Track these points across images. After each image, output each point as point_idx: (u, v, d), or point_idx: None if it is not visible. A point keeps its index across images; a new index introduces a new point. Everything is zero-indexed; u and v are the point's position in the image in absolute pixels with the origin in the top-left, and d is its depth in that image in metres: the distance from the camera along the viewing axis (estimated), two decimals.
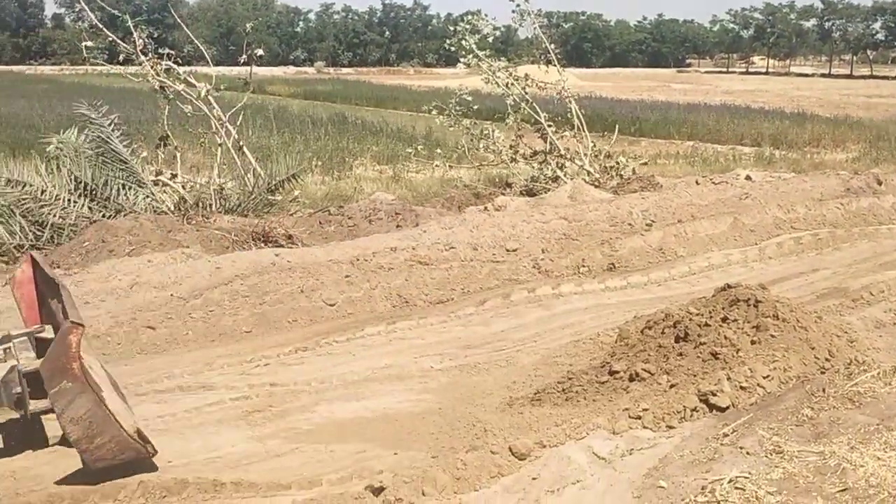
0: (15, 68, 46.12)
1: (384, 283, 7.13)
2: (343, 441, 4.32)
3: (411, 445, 4.22)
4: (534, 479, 3.65)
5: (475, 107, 14.11)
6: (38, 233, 8.83)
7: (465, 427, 4.36)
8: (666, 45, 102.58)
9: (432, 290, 7.21)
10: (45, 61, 50.61)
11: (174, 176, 10.26)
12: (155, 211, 9.46)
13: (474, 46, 13.14)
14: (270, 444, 4.32)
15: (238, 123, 11.06)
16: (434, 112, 13.89)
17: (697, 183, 11.08)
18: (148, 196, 9.78)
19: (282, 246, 8.47)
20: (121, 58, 10.67)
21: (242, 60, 11.33)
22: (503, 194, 11.81)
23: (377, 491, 3.30)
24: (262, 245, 8.46)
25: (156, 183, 10.03)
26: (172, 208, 9.69)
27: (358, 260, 7.35)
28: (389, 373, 5.33)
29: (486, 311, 6.77)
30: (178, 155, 10.62)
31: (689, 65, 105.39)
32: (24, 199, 9.16)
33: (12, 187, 9.32)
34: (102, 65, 11.34)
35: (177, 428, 4.57)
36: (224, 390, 5.11)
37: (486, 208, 10.04)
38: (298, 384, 5.18)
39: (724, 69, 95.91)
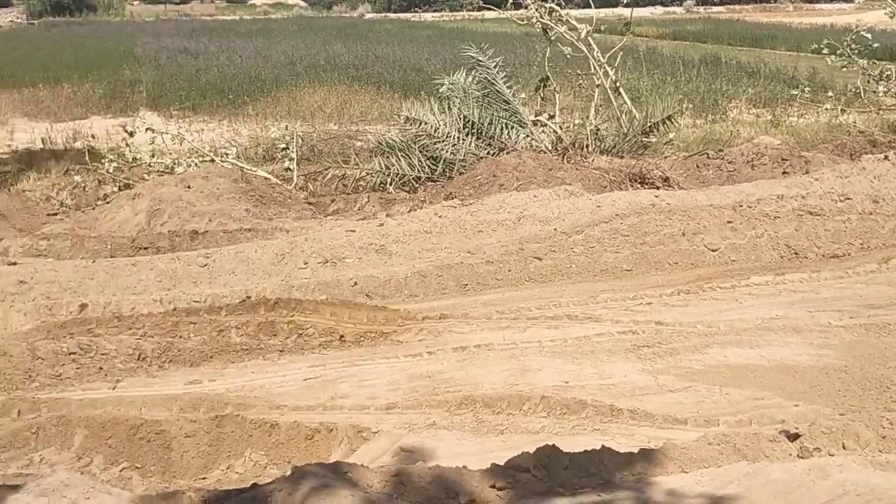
0: (402, 15, 50.54)
1: (770, 231, 6.77)
2: (738, 386, 4.22)
3: (815, 399, 4.01)
4: None
5: (874, 45, 12.65)
6: (433, 167, 9.67)
7: (877, 389, 4.03)
8: None
9: (825, 242, 6.69)
10: (428, 8, 54.80)
11: (552, 117, 10.60)
12: (534, 149, 9.87)
13: None
14: (662, 380, 4.36)
15: (616, 65, 11.06)
16: (825, 51, 12.69)
17: None
18: (528, 135, 10.22)
19: (658, 188, 8.40)
20: (509, 2, 11.15)
21: (625, 2, 11.27)
22: None
23: (793, 437, 3.19)
24: (639, 186, 8.46)
25: (535, 123, 10.45)
26: (550, 147, 10.04)
27: (741, 206, 7.05)
28: (782, 324, 5.07)
29: (890, 269, 6.13)
30: (557, 96, 10.92)
31: None
32: (420, 136, 10.07)
33: (410, 125, 10.30)
34: (490, 8, 11.97)
35: (569, 352, 4.78)
36: (610, 323, 5.24)
37: (886, 157, 9.01)
38: (684, 325, 5.14)
39: None
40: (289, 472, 2.69)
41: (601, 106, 10.82)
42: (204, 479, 3.61)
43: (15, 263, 6.47)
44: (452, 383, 4.35)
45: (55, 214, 8.47)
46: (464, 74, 10.86)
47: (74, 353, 4.93)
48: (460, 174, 9.19)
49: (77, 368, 4.81)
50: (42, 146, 12.72)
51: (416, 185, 9.42)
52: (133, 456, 3.71)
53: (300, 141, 10.25)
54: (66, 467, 3.61)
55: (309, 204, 8.67)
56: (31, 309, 5.51)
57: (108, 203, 8.69)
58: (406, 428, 3.84)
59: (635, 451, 3.20)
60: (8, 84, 19.33)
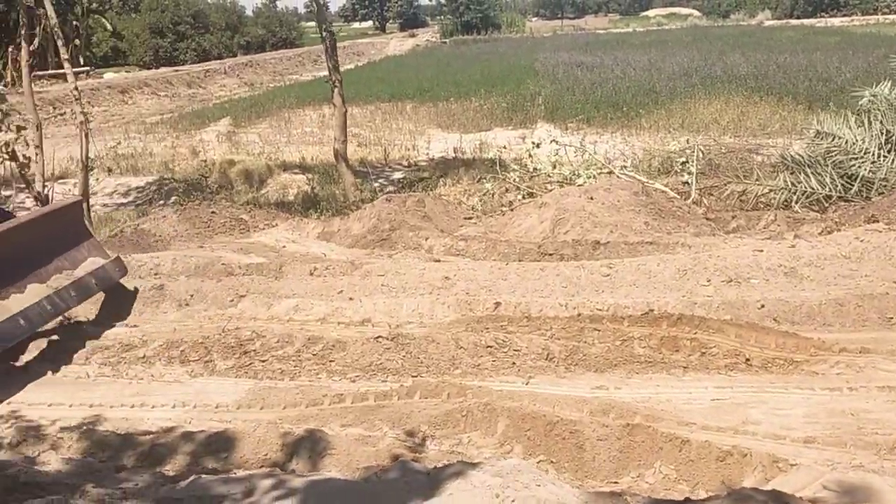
0: (806, 21, 47.24)
1: None
2: None
3: None
4: None
5: None
6: (846, 185, 8.91)
7: None
8: None
9: None
10: (836, 13, 50.56)
11: None
12: None
13: None
14: None
15: None
16: None
17: None
18: None
19: None
20: None
21: None
22: None
23: None
24: None
25: None
26: None
27: None
28: None
29: None
30: None
31: None
32: (832, 151, 9.34)
33: (821, 139, 9.60)
34: None
35: None
36: None
37: None
38: None
39: None
40: (725, 493, 2.67)
41: None
42: (615, 483, 3.73)
43: (439, 261, 7.24)
44: (881, 425, 3.98)
45: (469, 218, 9.30)
46: (888, 85, 9.86)
47: (491, 347, 5.38)
48: (880, 195, 8.35)
49: (493, 361, 5.25)
50: (454, 155, 14.06)
51: (826, 205, 8.75)
52: (549, 450, 3.95)
53: (700, 154, 10.08)
54: (491, 452, 3.96)
55: (707, 219, 8.49)
56: (453, 302, 6.11)
57: (512, 210, 9.34)
58: (828, 465, 3.60)
59: None
60: (425, 98, 21.68)
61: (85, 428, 4.07)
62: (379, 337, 5.59)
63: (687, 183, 9.65)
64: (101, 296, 6.58)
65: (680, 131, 13.98)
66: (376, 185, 12.29)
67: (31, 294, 5.79)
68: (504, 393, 4.58)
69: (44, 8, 9.93)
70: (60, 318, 6.27)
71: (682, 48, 28.51)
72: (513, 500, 2.40)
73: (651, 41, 34.75)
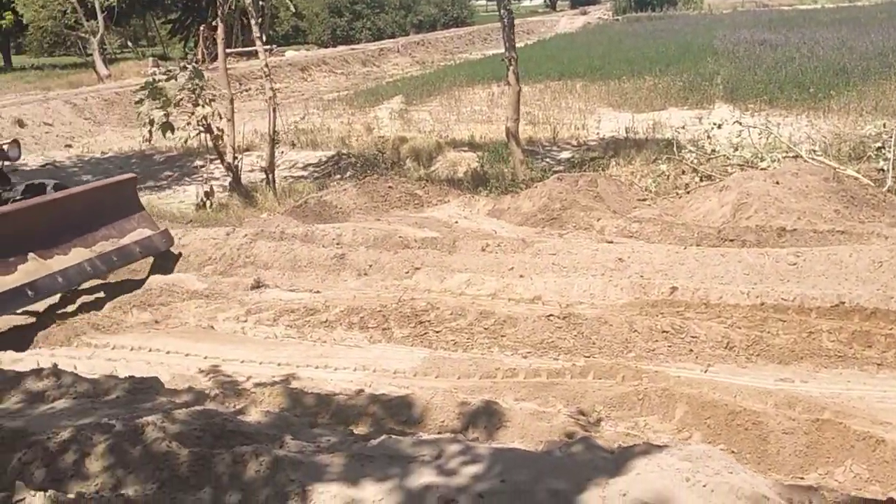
0: None
1: None
2: None
3: None
4: None
5: None
6: None
7: None
8: None
9: None
10: None
11: None
12: None
13: None
14: None
15: None
16: None
17: None
18: None
19: None
20: None
21: None
22: None
23: None
24: None
25: None
26: None
27: None
28: None
29: None
30: None
31: None
32: None
33: None
34: None
35: None
36: None
37: None
38: None
39: None
40: None
41: None
42: (801, 478, 3.58)
43: (612, 242, 7.15)
44: None
45: (644, 200, 9.10)
46: None
47: (667, 332, 5.27)
48: None
49: (669, 346, 5.14)
50: (626, 135, 13.75)
51: None
52: (730, 440, 3.84)
53: None
54: (668, 437, 3.90)
55: None
56: (626, 285, 6.03)
57: (689, 193, 9.06)
58: None
59: None
60: (596, 77, 21.31)
61: (278, 384, 4.34)
62: (550, 315, 5.61)
63: (882, 170, 9.00)
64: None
65: (873, 114, 13.00)
66: (544, 164, 12.25)
67: (75, 256, 6.72)
68: (682, 379, 4.48)
69: None
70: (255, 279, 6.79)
71: (878, 26, 26.38)
72: (704, 485, 2.35)
73: (841, 18, 32.39)
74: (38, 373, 4.05)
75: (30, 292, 6.12)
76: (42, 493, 2.45)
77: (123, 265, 7.18)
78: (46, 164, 15.61)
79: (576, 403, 4.38)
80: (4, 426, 3.17)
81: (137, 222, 7.48)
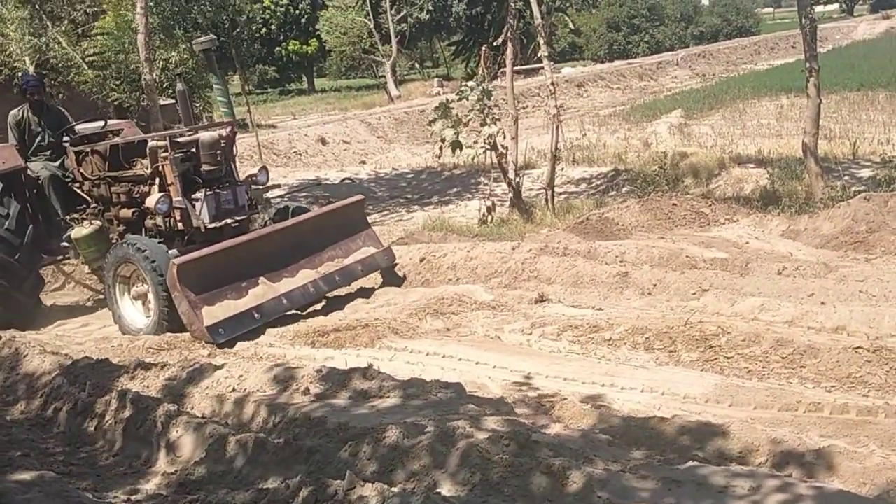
0: None
1: None
2: None
3: None
4: None
5: None
6: None
7: None
8: None
9: None
10: None
11: None
12: None
13: None
14: None
15: None
16: None
17: None
18: None
19: None
20: None
21: None
22: None
23: None
24: None
25: None
26: None
27: None
28: None
29: None
30: None
31: None
32: None
33: None
34: None
35: None
36: None
37: None
38: None
39: None
40: None
41: None
42: None
43: None
44: None
45: None
46: None
47: None
48: None
49: None
50: None
51: None
52: None
53: None
54: None
55: None
56: None
57: None
58: None
59: None
60: None
61: (575, 400, 4.39)
62: (858, 348, 5.15)
63: None
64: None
65: None
66: (842, 182, 11.29)
67: (301, 278, 7.07)
68: None
69: (530, 9, 10.86)
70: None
71: None
72: None
73: None
74: (363, 372, 4.41)
75: (256, 315, 6.67)
76: (370, 484, 2.67)
77: (345, 284, 7.52)
78: (344, 179, 17.05)
79: (892, 446, 3.99)
80: (330, 420, 3.51)
81: (363, 241, 7.76)
